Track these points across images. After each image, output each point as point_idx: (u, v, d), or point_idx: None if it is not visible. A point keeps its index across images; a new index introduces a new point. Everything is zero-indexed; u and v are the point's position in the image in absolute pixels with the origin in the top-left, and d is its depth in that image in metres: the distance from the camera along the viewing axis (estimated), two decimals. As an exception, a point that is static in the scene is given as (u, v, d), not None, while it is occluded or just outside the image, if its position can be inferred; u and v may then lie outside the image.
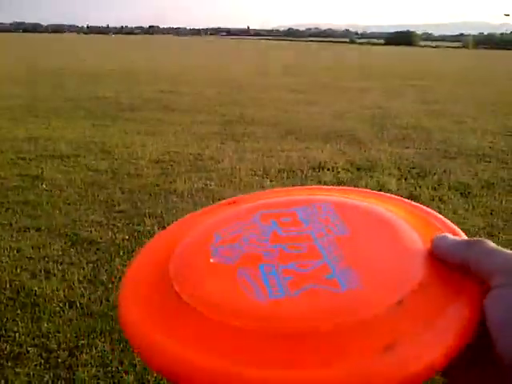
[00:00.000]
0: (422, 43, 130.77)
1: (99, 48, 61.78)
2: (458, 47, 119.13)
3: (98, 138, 9.79)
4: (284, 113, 13.75)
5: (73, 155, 8.35)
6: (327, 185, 7.26)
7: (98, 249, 4.74)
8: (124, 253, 4.65)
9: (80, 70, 25.35)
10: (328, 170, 8.00)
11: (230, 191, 6.77)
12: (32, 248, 4.71)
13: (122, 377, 2.98)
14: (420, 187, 7.13)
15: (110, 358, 3.14)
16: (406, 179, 7.50)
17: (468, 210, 6.28)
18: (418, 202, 0.68)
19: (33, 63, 29.23)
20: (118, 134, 10.39)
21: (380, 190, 0.77)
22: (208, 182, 7.08)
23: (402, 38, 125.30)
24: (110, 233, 5.12)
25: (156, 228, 5.27)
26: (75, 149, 8.83)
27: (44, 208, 5.83)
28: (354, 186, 0.78)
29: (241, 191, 6.75)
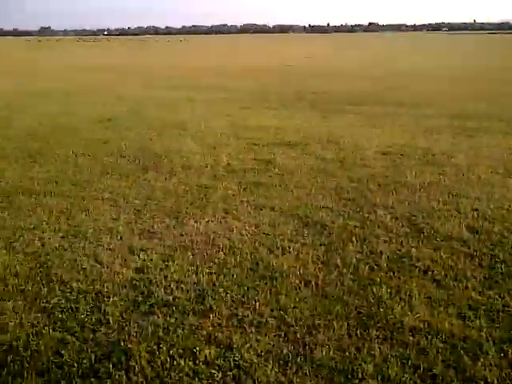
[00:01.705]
0: None
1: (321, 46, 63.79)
2: None
3: (324, 129, 9.94)
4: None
5: (301, 143, 8.59)
6: None
7: (330, 233, 4.69)
8: (357, 240, 4.51)
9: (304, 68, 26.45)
10: None
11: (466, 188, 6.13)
12: (268, 225, 4.88)
13: (360, 364, 2.81)
14: None
15: (347, 343, 3.01)
16: None
17: None
18: None
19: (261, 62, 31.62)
20: (342, 125, 10.41)
21: None
22: (441, 178, 6.52)
23: None
24: (341, 218, 5.04)
25: (389, 218, 5.01)
26: (303, 138, 9.07)
27: (277, 190, 6.06)
28: None
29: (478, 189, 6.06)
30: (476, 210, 5.29)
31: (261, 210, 5.36)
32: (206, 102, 14.25)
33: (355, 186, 6.20)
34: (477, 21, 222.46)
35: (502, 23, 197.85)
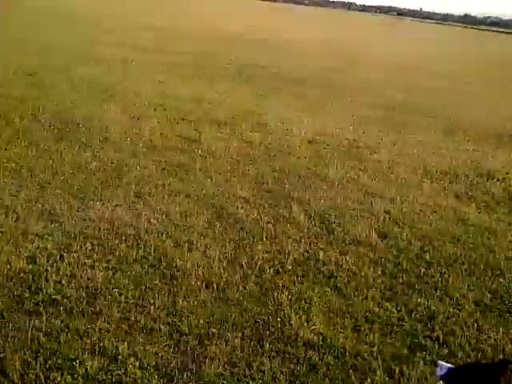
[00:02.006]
0: None
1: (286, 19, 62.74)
2: None
3: (258, 109, 9.76)
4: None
5: (230, 123, 8.37)
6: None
7: (241, 228, 4.59)
8: (267, 237, 4.44)
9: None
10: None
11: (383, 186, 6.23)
12: (180, 215, 4.70)
13: (248, 383, 2.75)
14: None
15: (239, 356, 2.94)
16: None
17: None
18: None
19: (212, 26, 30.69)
20: (276, 106, 10.26)
21: None
22: (360, 174, 6.59)
23: None
24: (255, 212, 4.95)
25: (302, 216, 4.98)
26: (234, 116, 8.86)
27: (196, 174, 5.86)
28: None
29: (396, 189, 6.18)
30: (388, 212, 5.39)
31: (176, 196, 5.16)
32: (141, 63, 13.60)
33: (276, 176, 6.13)
34: (423, 9, 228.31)
35: (446, 15, 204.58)
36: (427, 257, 4.46)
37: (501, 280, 4.22)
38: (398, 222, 5.17)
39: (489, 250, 4.78)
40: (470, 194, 6.37)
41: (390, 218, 5.22)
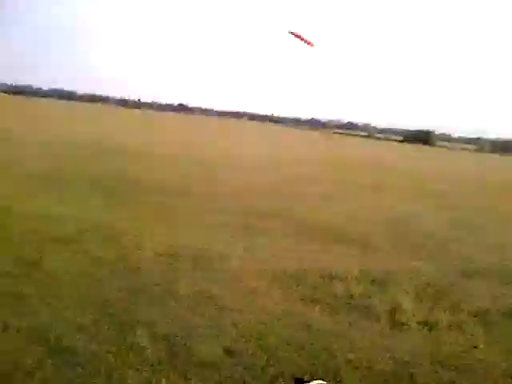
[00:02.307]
0: (439, 143, 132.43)
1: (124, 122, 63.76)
2: (469, 150, 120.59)
3: (111, 221, 9.52)
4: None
5: (78, 240, 8.02)
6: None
7: (77, 363, 4.25)
8: (106, 370, 4.15)
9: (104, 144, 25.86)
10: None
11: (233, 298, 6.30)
12: (8, 354, 4.25)
13: None
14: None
15: None
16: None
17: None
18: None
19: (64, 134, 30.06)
20: (132, 218, 10.10)
21: None
22: (211, 286, 6.61)
23: (420, 137, 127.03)
24: (95, 342, 4.64)
25: (147, 339, 4.78)
26: (83, 232, 8.52)
27: (32, 303, 5.42)
28: None
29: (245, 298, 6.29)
30: (236, 325, 5.42)
31: (4, 331, 4.67)
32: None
33: (123, 297, 5.88)
34: (274, 114, 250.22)
35: (294, 118, 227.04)
36: (272, 371, 4.50)
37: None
38: (246, 335, 5.21)
39: (330, 355, 4.98)
40: (314, 296, 6.69)
41: (237, 333, 5.24)
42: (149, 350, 4.60)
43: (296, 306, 6.27)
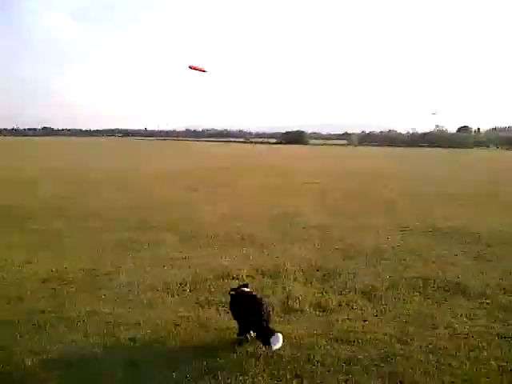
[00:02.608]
0: (311, 141, 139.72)
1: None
2: (343, 145, 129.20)
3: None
4: (186, 214, 13.38)
5: None
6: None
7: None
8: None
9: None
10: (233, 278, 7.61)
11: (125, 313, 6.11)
12: None
13: None
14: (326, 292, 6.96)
15: None
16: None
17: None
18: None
19: None
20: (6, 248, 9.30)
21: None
22: (101, 304, 6.35)
23: (294, 137, 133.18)
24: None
25: (37, 370, 4.46)
26: None
27: None
28: None
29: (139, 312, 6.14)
30: (133, 339, 5.28)
31: None
32: None
33: (4, 332, 5.43)
34: (148, 128, 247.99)
35: (170, 131, 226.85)
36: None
37: None
38: (145, 347, 5.10)
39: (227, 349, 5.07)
40: (210, 298, 6.72)
41: (136, 344, 5.11)
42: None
43: (193, 311, 6.25)
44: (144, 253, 9.19)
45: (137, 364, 4.70)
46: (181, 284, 7.32)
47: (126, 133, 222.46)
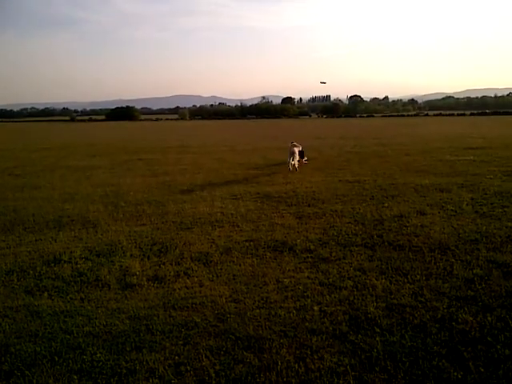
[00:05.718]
0: (143, 117, 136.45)
1: None
2: (177, 119, 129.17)
3: None
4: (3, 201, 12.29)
5: None
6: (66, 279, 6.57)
7: None
8: None
9: None
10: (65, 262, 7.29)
11: None
12: None
13: None
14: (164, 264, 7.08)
15: None
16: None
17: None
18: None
19: None
20: None
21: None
22: None
23: (123, 113, 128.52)
24: None
25: None
26: None
27: None
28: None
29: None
30: None
31: None
32: None
33: None
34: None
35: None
36: (6, 367, 4.21)
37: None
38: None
39: (67, 334, 4.93)
40: (41, 284, 6.36)
41: None
42: None
43: (21, 299, 5.88)
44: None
45: None
46: (7, 274, 6.79)
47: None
